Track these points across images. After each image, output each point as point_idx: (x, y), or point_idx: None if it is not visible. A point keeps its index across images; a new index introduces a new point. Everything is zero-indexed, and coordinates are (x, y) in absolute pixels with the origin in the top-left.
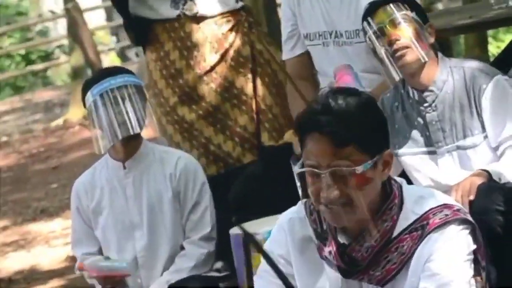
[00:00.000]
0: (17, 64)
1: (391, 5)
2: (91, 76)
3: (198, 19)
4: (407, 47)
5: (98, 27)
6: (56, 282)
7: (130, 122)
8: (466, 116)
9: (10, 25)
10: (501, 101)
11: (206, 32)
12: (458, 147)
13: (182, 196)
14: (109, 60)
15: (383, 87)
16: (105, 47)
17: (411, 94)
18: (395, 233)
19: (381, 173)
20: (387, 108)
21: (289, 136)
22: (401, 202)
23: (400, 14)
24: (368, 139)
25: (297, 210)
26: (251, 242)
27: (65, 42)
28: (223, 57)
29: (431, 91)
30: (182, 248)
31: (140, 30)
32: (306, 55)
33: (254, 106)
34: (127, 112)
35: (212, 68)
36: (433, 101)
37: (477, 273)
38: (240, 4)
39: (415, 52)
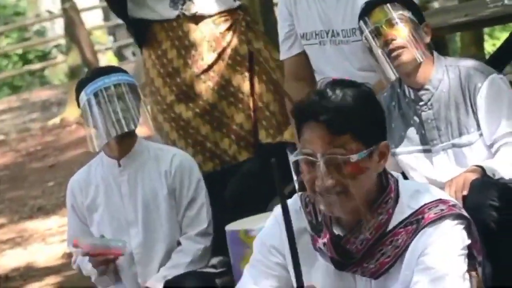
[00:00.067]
0: (14, 64)
1: (387, 4)
2: (85, 75)
3: (197, 18)
4: (403, 47)
5: (95, 26)
6: (53, 279)
7: (124, 120)
8: (461, 114)
9: (8, 25)
10: (496, 100)
11: (204, 31)
12: (454, 145)
13: (178, 193)
14: (106, 59)
15: (380, 85)
16: (102, 47)
17: (407, 93)
18: (390, 227)
19: (377, 164)
20: (385, 107)
21: (289, 134)
22: (397, 196)
23: (396, 14)
24: (365, 128)
25: (292, 202)
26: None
27: (63, 41)
28: (220, 55)
29: (427, 89)
30: (179, 244)
31: (139, 31)
32: (303, 55)
33: (251, 104)
34: (121, 110)
35: (210, 66)
36: (429, 100)
37: (472, 268)
38: (238, 3)
39: (411, 52)
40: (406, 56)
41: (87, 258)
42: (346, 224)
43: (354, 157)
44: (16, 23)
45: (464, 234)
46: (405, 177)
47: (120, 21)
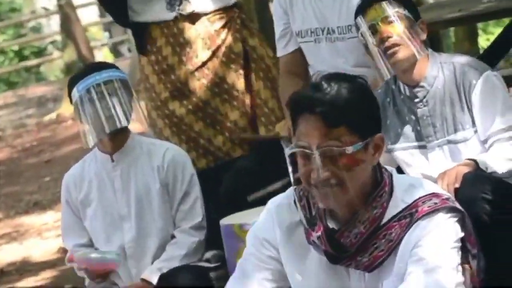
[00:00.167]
0: (10, 60)
1: (383, 2)
2: (77, 72)
3: (193, 17)
4: (399, 45)
5: (91, 23)
6: (48, 273)
7: (117, 116)
8: (456, 111)
9: (4, 22)
10: (490, 97)
11: (199, 29)
12: (449, 141)
13: (171, 188)
14: (102, 55)
15: (375, 82)
16: (98, 43)
17: (402, 90)
18: (384, 220)
19: (372, 156)
20: (379, 103)
21: (280, 127)
22: (391, 190)
23: (392, 11)
24: (360, 121)
25: (286, 196)
26: None
27: (58, 38)
28: (215, 53)
29: (422, 86)
30: (173, 237)
31: (139, 36)
32: (299, 52)
33: (247, 102)
34: (113, 106)
35: (204, 64)
36: (424, 97)
37: (465, 261)
38: (233, 0)
39: (407, 50)
40: (402, 54)
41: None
42: (340, 217)
43: (349, 149)
44: (12, 20)
45: (457, 227)
46: (401, 172)
47: None
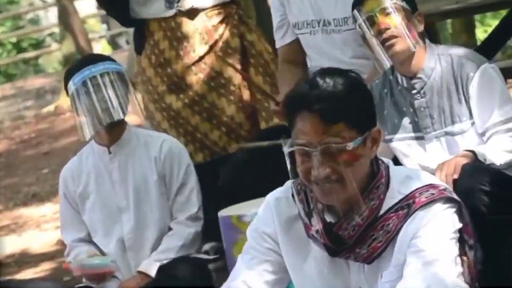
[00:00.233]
0: (8, 52)
1: None
2: (72, 65)
3: (192, 12)
4: (397, 37)
5: (88, 15)
6: (47, 265)
7: (113, 109)
8: (454, 103)
9: (2, 14)
10: (488, 89)
11: (197, 24)
12: (447, 133)
13: (168, 179)
14: (100, 47)
15: (374, 73)
16: (96, 35)
17: (399, 81)
18: (381, 212)
19: (370, 150)
20: (376, 94)
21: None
22: (388, 181)
23: (390, 3)
24: (358, 115)
25: (284, 190)
26: None
27: (56, 30)
28: (212, 48)
29: (420, 78)
30: (170, 229)
31: (139, 35)
32: (297, 42)
33: (245, 96)
34: (109, 99)
35: (201, 58)
36: (422, 88)
37: (463, 252)
38: None
39: (405, 42)
40: (399, 46)
41: (80, 254)
42: (338, 211)
43: (350, 145)
44: (10, 12)
45: (455, 217)
46: (398, 163)
47: None
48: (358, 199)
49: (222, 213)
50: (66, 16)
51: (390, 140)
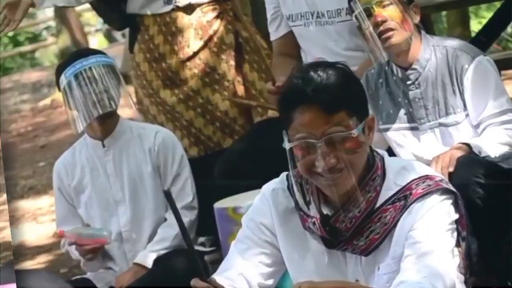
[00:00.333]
0: (5, 46)
1: None
2: (64, 59)
3: (188, 8)
4: (393, 29)
5: (85, 8)
6: (44, 257)
7: (104, 101)
8: (448, 94)
9: None
10: (482, 82)
11: (192, 19)
12: (441, 124)
13: (162, 170)
14: (96, 41)
15: (367, 64)
16: (92, 28)
17: (395, 71)
18: (378, 204)
19: (367, 137)
20: (371, 84)
21: (274, 113)
22: (384, 173)
23: None
24: (356, 103)
25: (280, 181)
26: None
27: (53, 24)
28: (206, 43)
29: (415, 69)
30: (166, 220)
31: (132, 27)
32: (291, 34)
33: (239, 92)
34: (101, 91)
35: (195, 53)
36: (416, 79)
37: (457, 243)
38: None
39: (401, 34)
40: (396, 38)
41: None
42: (335, 203)
43: (355, 132)
44: None
45: (452, 209)
46: (392, 153)
47: None
48: (356, 190)
49: (218, 205)
50: (62, 10)
51: (385, 130)
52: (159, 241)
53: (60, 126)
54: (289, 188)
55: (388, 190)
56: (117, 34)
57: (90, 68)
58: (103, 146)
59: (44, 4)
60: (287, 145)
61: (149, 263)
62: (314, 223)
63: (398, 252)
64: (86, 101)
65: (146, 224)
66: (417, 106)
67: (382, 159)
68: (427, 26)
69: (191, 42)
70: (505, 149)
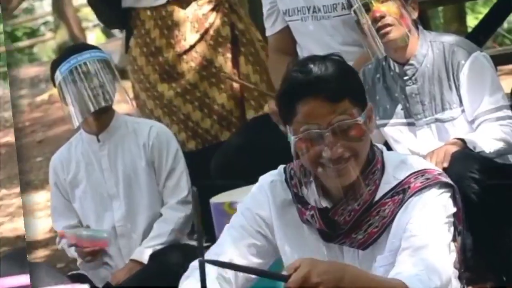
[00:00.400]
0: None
1: None
2: (59, 55)
3: (184, 1)
4: (391, 25)
5: (82, 4)
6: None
7: (100, 95)
8: (444, 90)
9: None
10: (479, 77)
11: (187, 12)
12: (437, 120)
13: (157, 165)
14: (94, 36)
15: (363, 59)
16: (89, 24)
17: (392, 67)
18: (377, 197)
19: (368, 126)
20: (368, 79)
21: (268, 108)
22: (383, 167)
23: None
24: (357, 91)
25: (278, 173)
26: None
27: (51, 19)
28: (203, 36)
29: (412, 64)
30: (161, 215)
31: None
32: (287, 30)
33: (236, 85)
34: (96, 86)
35: (192, 47)
36: (413, 75)
37: (453, 238)
38: None
39: (400, 30)
40: (394, 34)
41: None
42: (333, 196)
43: (360, 120)
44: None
45: (450, 202)
46: (389, 148)
47: None
48: (360, 181)
49: (214, 200)
50: (60, 5)
51: (382, 125)
52: (155, 236)
53: (58, 121)
54: (287, 181)
55: (387, 183)
56: (115, 29)
57: (85, 63)
58: (98, 141)
59: None
60: (292, 139)
61: (145, 259)
62: (312, 216)
63: (396, 244)
64: (82, 95)
65: (141, 219)
66: (413, 102)
67: (381, 153)
68: (423, 22)
69: (187, 35)
70: (500, 144)
